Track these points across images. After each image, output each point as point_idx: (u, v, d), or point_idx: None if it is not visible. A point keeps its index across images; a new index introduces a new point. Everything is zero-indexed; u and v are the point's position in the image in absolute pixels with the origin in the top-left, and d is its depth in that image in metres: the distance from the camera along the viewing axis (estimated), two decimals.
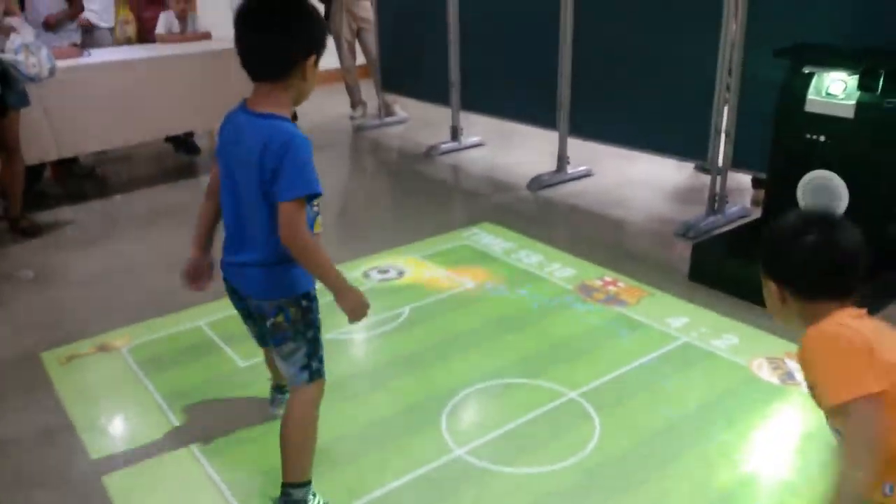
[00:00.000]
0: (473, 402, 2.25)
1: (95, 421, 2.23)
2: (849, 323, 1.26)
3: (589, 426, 2.10)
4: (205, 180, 4.65)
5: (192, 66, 4.51)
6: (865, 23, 2.84)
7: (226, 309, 2.87)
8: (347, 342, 2.64)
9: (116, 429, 2.22)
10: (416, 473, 1.94)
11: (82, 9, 4.82)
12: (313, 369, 1.75)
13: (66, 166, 4.67)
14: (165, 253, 3.50)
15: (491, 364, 2.44)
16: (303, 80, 1.62)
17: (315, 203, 1.77)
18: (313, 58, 1.62)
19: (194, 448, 2.08)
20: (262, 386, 2.35)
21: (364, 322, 2.71)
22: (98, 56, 4.37)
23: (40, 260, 3.47)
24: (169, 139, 5.21)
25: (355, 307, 1.69)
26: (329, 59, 6.93)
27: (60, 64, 3.81)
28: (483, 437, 2.08)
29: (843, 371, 1.20)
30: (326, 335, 2.64)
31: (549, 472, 1.93)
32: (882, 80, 2.53)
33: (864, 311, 1.31)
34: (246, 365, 2.49)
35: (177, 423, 2.20)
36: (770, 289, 1.37)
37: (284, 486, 1.77)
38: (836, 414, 1.22)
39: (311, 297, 1.74)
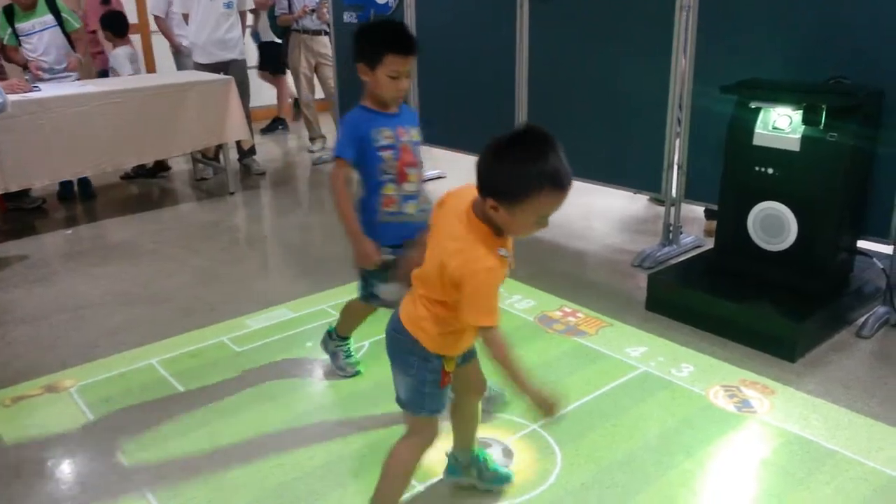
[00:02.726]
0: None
1: (43, 465, 2.14)
2: None
3: (551, 459, 2.10)
4: (155, 214, 4.63)
5: (143, 100, 4.47)
6: (808, 60, 2.95)
7: (178, 346, 2.83)
8: (307, 377, 2.59)
9: (65, 472, 2.14)
10: None
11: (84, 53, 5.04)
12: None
13: (14, 200, 4.57)
14: (116, 290, 3.42)
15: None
16: (366, 80, 2.17)
17: (384, 169, 2.19)
18: (360, 65, 2.16)
19: (147, 491, 2.01)
20: (216, 425, 2.30)
21: (325, 356, 2.69)
22: (48, 90, 4.31)
23: None
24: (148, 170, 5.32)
25: (360, 256, 2.21)
26: (266, 96, 6.97)
27: (11, 98, 3.74)
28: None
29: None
30: (285, 370, 2.63)
31: None
32: (824, 114, 2.64)
33: None
34: (200, 404, 2.43)
35: (128, 465, 2.12)
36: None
37: None
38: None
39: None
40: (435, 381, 1.68)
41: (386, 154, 2.18)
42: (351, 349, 2.61)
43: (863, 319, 2.84)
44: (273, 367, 2.65)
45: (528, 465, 2.07)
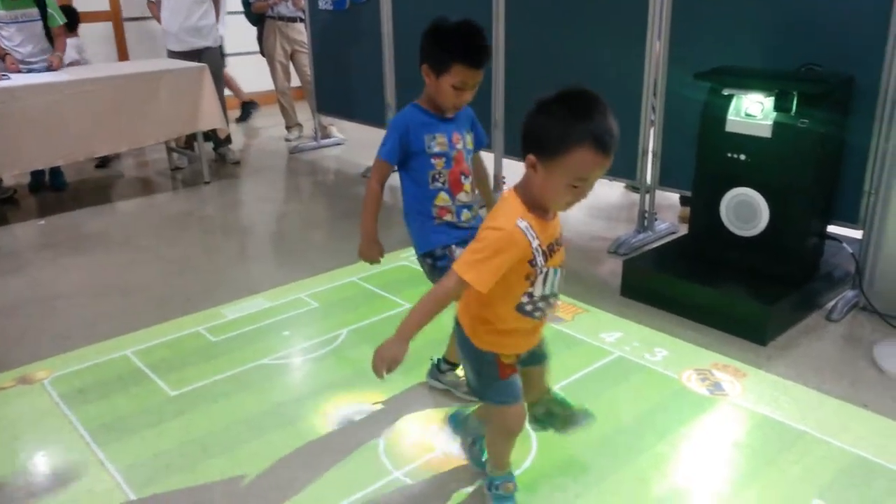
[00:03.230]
0: (412, 424, 2.24)
1: (16, 458, 2.12)
2: None
3: (526, 444, 2.12)
4: (129, 204, 4.58)
5: (115, 88, 4.41)
6: (781, 47, 2.98)
7: (153, 337, 2.81)
8: (284, 366, 2.59)
9: (39, 466, 2.12)
10: (353, 497, 1.92)
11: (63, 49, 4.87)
12: None
13: None
14: (90, 280, 3.39)
15: (429, 372, 2.43)
16: (429, 83, 2.03)
17: (436, 177, 2.08)
18: (424, 66, 2.00)
19: (122, 482, 2.00)
20: (191, 415, 2.29)
21: (301, 345, 2.70)
22: (18, 79, 4.23)
23: None
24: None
25: (362, 252, 2.16)
26: (264, 81, 6.96)
27: None
28: (421, 458, 2.07)
29: None
30: (262, 360, 2.62)
31: None
32: (795, 101, 2.67)
33: None
34: (176, 394, 2.42)
35: (103, 458, 2.11)
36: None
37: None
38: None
39: (434, 256, 2.11)
40: (491, 373, 1.67)
41: (438, 162, 2.07)
42: None
43: (832, 303, 2.89)
44: (250, 357, 2.64)
45: None
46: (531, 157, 1.48)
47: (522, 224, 1.51)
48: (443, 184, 2.08)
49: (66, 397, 2.41)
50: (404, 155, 2.08)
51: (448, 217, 2.10)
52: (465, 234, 2.11)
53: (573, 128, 1.43)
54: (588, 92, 1.48)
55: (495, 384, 1.68)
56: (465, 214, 2.13)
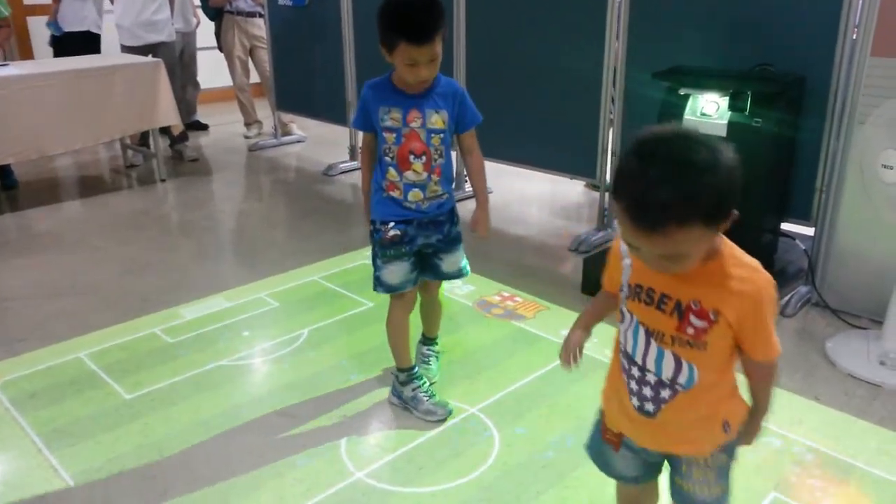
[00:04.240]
0: (374, 424, 2.23)
1: None
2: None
3: (489, 441, 2.12)
4: (82, 203, 4.47)
5: (67, 84, 4.30)
6: (736, 47, 3.04)
7: (108, 339, 2.75)
8: (244, 367, 2.55)
9: None
10: (316, 499, 1.90)
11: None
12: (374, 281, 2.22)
13: None
14: (42, 281, 3.29)
15: (391, 384, 2.42)
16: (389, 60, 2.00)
17: (386, 151, 2.07)
18: (381, 45, 1.96)
19: (74, 487, 1.95)
20: (148, 419, 2.25)
21: (262, 345, 2.66)
22: None
23: None
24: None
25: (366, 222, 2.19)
26: (223, 77, 6.82)
27: None
28: (383, 458, 2.06)
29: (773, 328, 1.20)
30: (221, 361, 2.58)
31: (449, 489, 1.93)
32: (749, 100, 2.72)
33: None
34: (132, 397, 2.37)
35: (56, 464, 2.05)
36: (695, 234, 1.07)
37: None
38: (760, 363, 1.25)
39: (374, 227, 2.15)
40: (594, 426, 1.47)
41: (388, 136, 2.04)
42: (428, 387, 2.30)
43: (786, 299, 2.95)
44: (208, 358, 2.60)
45: (466, 449, 2.09)
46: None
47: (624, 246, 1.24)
48: (391, 159, 2.06)
49: (16, 402, 2.34)
50: (371, 124, 2.08)
51: (395, 193, 2.09)
52: (411, 216, 2.10)
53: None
54: (658, 140, 1.09)
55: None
56: (416, 195, 2.07)
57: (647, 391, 1.23)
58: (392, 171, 2.07)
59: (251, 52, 5.84)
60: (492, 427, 2.19)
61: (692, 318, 1.15)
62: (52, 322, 2.89)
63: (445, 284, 3.15)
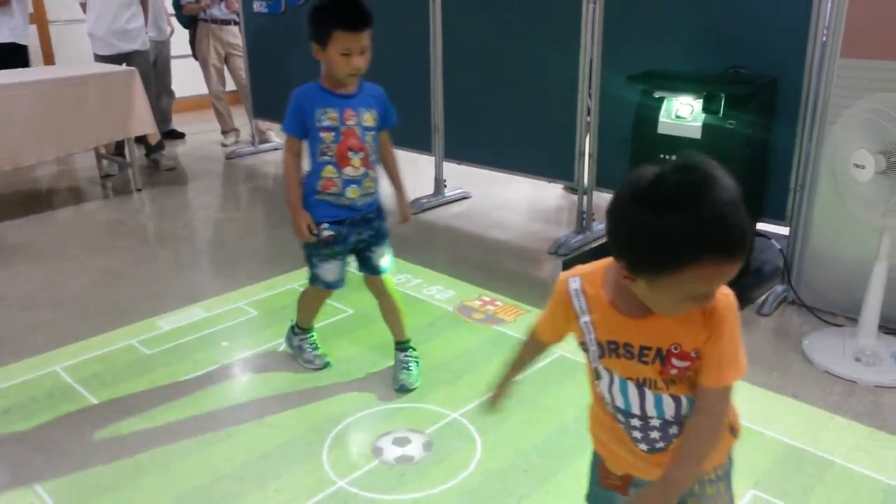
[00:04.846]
0: (355, 432, 2.22)
1: None
2: None
3: (471, 446, 2.12)
4: (56, 213, 4.41)
5: (40, 94, 4.24)
6: (709, 50, 3.08)
7: (84, 351, 2.71)
8: (222, 377, 2.53)
9: None
10: None
11: None
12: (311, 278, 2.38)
13: None
14: (16, 293, 3.24)
15: (372, 390, 2.41)
16: (321, 60, 2.16)
17: (324, 150, 2.18)
18: (313, 45, 2.13)
19: None
20: (126, 431, 2.22)
21: (241, 355, 2.65)
22: None
23: None
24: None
25: (294, 228, 2.22)
26: (198, 85, 6.76)
27: None
28: (365, 466, 2.04)
29: (740, 349, 1.13)
30: (199, 372, 2.55)
31: (431, 495, 1.93)
32: (723, 103, 2.75)
33: None
34: (108, 410, 2.33)
35: (29, 478, 2.01)
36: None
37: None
38: (716, 391, 1.14)
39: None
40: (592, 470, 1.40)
41: (326, 136, 2.16)
42: (316, 341, 2.59)
43: (763, 298, 2.98)
44: (186, 369, 2.57)
45: (448, 454, 2.09)
46: (624, 269, 1.06)
47: (574, 284, 1.20)
48: (330, 157, 2.18)
49: None
50: (304, 129, 2.18)
51: (332, 189, 2.20)
52: (344, 214, 2.23)
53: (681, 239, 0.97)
54: (694, 169, 1.00)
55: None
56: (353, 191, 2.21)
57: (655, 434, 1.21)
58: (331, 168, 2.18)
59: (226, 59, 5.81)
60: (474, 433, 2.19)
61: (674, 361, 1.13)
62: (27, 335, 2.85)
63: (426, 290, 3.15)
